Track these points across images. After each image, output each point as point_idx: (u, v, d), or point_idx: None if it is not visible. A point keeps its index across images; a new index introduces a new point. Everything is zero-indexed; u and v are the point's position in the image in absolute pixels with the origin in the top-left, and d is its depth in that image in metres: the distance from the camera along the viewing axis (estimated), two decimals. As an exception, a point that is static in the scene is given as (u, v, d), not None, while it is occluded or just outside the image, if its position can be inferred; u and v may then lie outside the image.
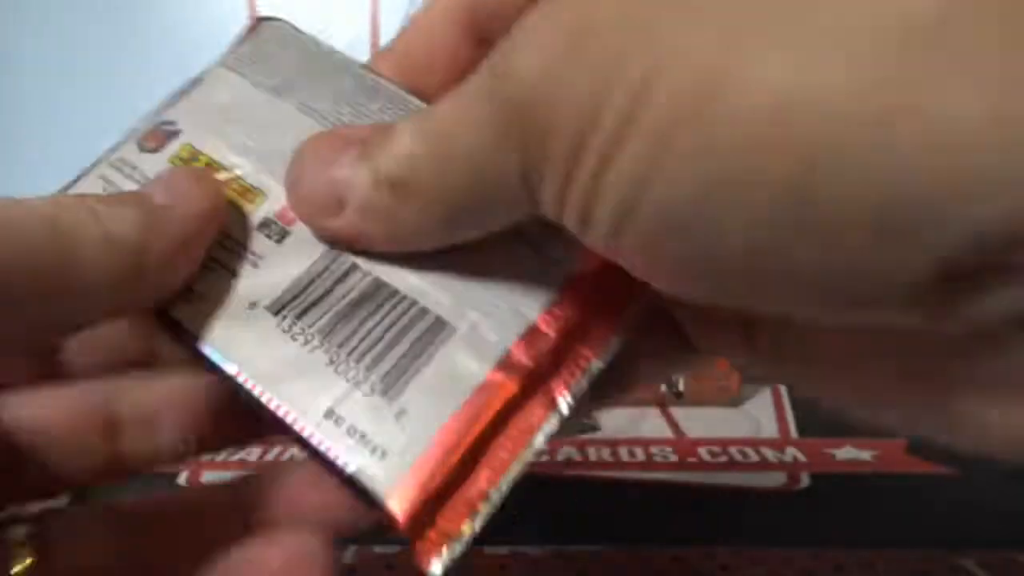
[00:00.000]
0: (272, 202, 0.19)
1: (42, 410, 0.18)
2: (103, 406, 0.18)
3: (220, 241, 0.18)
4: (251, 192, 0.19)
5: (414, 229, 0.16)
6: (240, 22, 0.51)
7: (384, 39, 0.44)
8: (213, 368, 0.17)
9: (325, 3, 0.46)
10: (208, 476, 0.39)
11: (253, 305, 0.18)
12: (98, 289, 0.15)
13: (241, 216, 0.19)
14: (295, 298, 0.18)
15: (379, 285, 0.18)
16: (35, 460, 0.17)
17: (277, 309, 0.18)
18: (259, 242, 0.18)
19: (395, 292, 0.18)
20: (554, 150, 0.13)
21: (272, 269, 0.18)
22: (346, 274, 0.18)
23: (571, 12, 0.13)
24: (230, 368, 0.17)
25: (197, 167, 0.19)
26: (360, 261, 0.18)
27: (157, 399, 0.19)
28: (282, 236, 0.18)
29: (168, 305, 0.17)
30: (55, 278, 0.15)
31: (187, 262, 0.17)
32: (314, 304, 0.18)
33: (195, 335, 0.17)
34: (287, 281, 0.18)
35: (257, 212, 0.19)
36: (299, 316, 0.17)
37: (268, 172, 0.19)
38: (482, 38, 0.20)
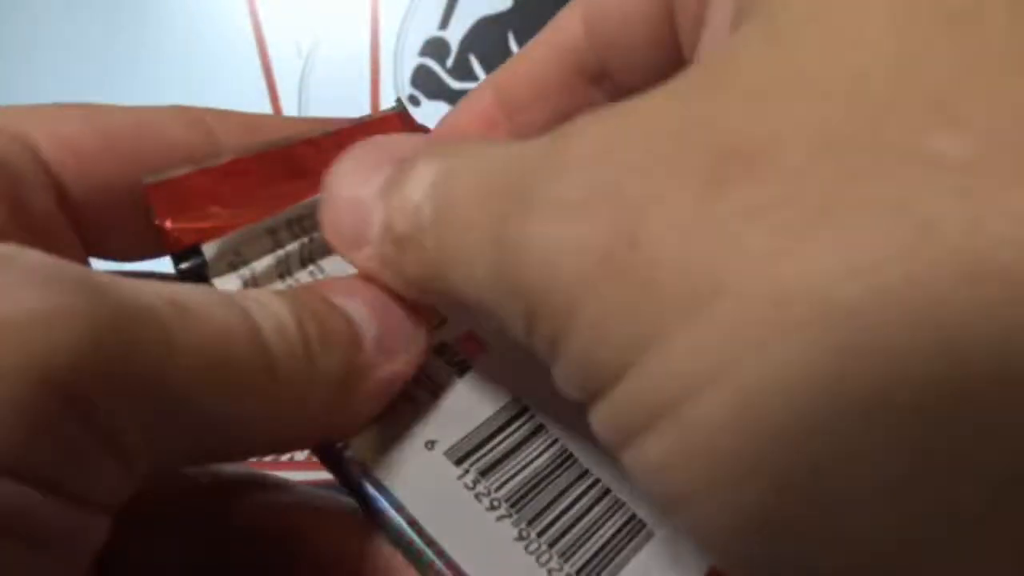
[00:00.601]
0: (452, 327, 0.17)
1: None
2: None
3: None
4: (429, 313, 0.17)
5: (421, 289, 0.15)
6: (241, 21, 0.51)
7: (384, 41, 0.45)
8: (370, 509, 0.15)
9: (325, 5, 0.46)
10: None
11: (431, 444, 0.15)
12: (291, 420, 0.14)
13: None
14: (478, 449, 0.16)
15: (568, 457, 0.16)
16: None
17: (459, 458, 0.16)
18: (438, 369, 0.16)
19: (586, 472, 0.16)
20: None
21: (453, 406, 0.16)
22: (534, 433, 0.16)
23: (609, 226, 0.10)
24: (405, 516, 0.14)
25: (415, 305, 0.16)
26: (548, 421, 0.16)
27: None
28: (463, 369, 0.17)
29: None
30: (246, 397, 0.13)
31: (380, 404, 0.15)
32: (500, 462, 0.16)
33: (363, 467, 0.15)
34: (470, 426, 0.16)
35: (436, 335, 0.17)
36: (483, 473, 0.15)
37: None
38: (598, 73, 0.17)
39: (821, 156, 0.09)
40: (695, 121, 0.10)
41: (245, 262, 0.16)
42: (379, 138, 0.16)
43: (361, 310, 0.15)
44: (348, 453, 0.15)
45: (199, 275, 0.15)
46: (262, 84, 0.52)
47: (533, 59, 0.17)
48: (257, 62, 0.51)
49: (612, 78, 0.16)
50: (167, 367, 0.12)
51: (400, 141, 0.16)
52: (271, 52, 0.52)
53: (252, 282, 0.16)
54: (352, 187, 0.15)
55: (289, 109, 0.47)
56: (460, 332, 0.17)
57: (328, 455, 0.15)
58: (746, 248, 0.09)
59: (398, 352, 0.15)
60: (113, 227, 0.17)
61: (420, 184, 0.14)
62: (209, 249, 0.15)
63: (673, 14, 0.15)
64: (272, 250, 0.16)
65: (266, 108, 0.52)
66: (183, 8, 0.52)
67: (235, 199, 0.16)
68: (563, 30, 0.17)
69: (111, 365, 0.11)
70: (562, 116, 0.15)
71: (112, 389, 0.11)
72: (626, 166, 0.10)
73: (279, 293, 0.15)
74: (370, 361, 0.15)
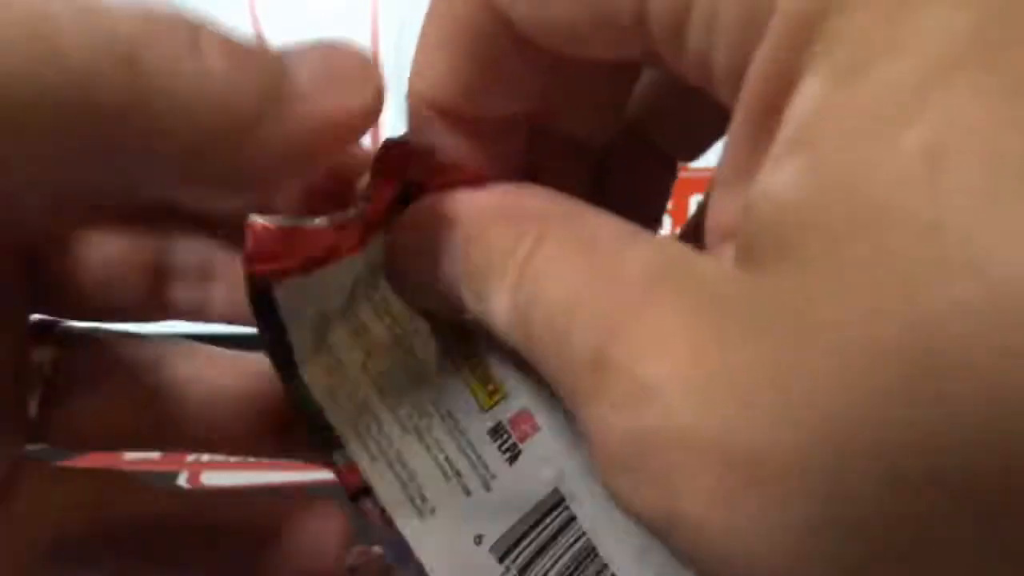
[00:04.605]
0: (511, 404, 0.17)
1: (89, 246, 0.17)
2: (152, 251, 0.17)
3: (455, 438, 0.16)
4: (493, 383, 0.17)
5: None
6: (241, 22, 0.51)
7: (384, 41, 0.45)
8: None
9: (325, 5, 0.46)
10: (208, 476, 0.39)
11: (479, 540, 0.16)
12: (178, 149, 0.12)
13: (476, 411, 0.16)
14: (519, 542, 0.16)
15: (591, 551, 0.16)
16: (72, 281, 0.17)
17: (502, 555, 0.16)
18: (491, 454, 0.16)
19: (605, 568, 0.16)
20: None
21: (502, 496, 0.16)
22: (566, 526, 0.17)
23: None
24: None
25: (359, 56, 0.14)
26: (579, 512, 0.17)
27: (210, 250, 0.17)
28: (514, 455, 0.17)
29: (393, 508, 0.15)
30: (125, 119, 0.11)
31: (308, 155, 0.13)
32: (538, 555, 0.16)
33: (414, 554, 0.15)
34: (514, 518, 0.16)
35: (494, 411, 0.17)
36: (522, 570, 0.16)
37: (515, 367, 0.17)
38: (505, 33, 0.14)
39: None
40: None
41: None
42: (505, 206, 0.15)
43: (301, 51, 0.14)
44: (402, 534, 0.15)
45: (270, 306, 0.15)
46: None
47: (444, 57, 0.15)
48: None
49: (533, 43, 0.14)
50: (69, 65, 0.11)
51: (529, 206, 0.15)
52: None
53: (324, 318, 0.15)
54: (428, 263, 0.15)
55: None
56: (516, 410, 0.17)
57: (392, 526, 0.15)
58: None
59: (339, 93, 0.13)
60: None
61: (500, 309, 0.14)
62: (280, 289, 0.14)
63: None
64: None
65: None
66: (183, 8, 0.52)
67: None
68: (456, 19, 0.14)
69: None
70: (513, 98, 0.15)
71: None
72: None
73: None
74: (296, 91, 0.13)
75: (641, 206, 0.18)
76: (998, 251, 0.07)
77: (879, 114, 0.09)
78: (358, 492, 0.16)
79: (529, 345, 0.13)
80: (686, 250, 0.12)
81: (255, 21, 0.52)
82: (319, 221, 0.14)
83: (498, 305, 0.14)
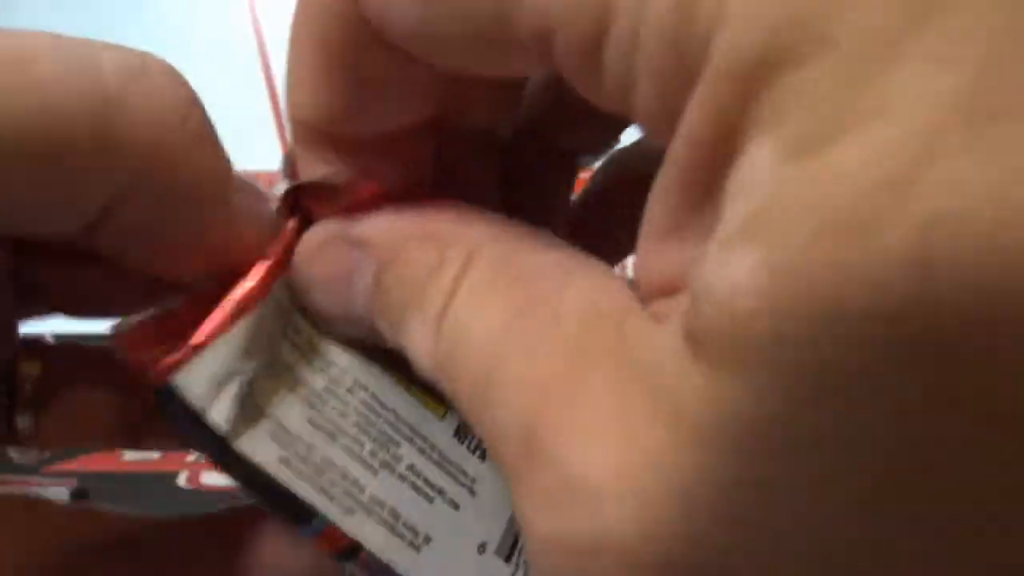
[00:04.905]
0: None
1: None
2: None
3: (430, 457, 0.15)
4: (436, 393, 0.15)
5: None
6: (241, 21, 0.51)
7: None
8: None
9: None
10: (208, 477, 0.39)
11: (483, 548, 0.15)
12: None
13: (436, 420, 0.16)
14: (520, 535, 0.15)
15: None
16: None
17: (507, 554, 0.15)
18: (464, 457, 0.16)
19: None
20: None
21: (489, 496, 0.15)
22: None
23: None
24: None
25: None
26: None
27: None
28: (481, 450, 0.16)
29: (386, 554, 0.15)
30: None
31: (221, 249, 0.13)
32: None
33: None
34: (507, 513, 0.15)
35: (451, 415, 0.16)
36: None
37: None
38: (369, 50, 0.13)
39: None
40: None
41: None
42: (433, 227, 0.14)
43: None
44: (392, 562, 0.14)
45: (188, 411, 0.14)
46: (262, 84, 0.52)
47: (315, 80, 0.14)
48: (257, 62, 0.51)
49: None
50: None
51: (459, 232, 0.13)
52: (271, 52, 0.52)
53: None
54: (332, 296, 0.14)
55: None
56: None
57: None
58: None
59: (256, 216, 0.14)
60: None
61: (421, 348, 0.12)
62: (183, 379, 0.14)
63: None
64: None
65: (266, 107, 0.51)
66: (183, 8, 0.52)
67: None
68: (322, 33, 0.13)
69: None
70: (381, 102, 0.13)
71: None
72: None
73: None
74: (233, 191, 0.13)
75: (544, 203, 0.17)
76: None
77: (848, 205, 0.07)
78: (345, 552, 0.15)
79: (455, 397, 0.12)
80: (629, 300, 0.11)
81: (255, 20, 0.52)
82: (176, 303, 0.14)
83: (419, 343, 0.12)
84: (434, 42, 0.11)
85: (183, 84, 0.13)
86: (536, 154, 0.17)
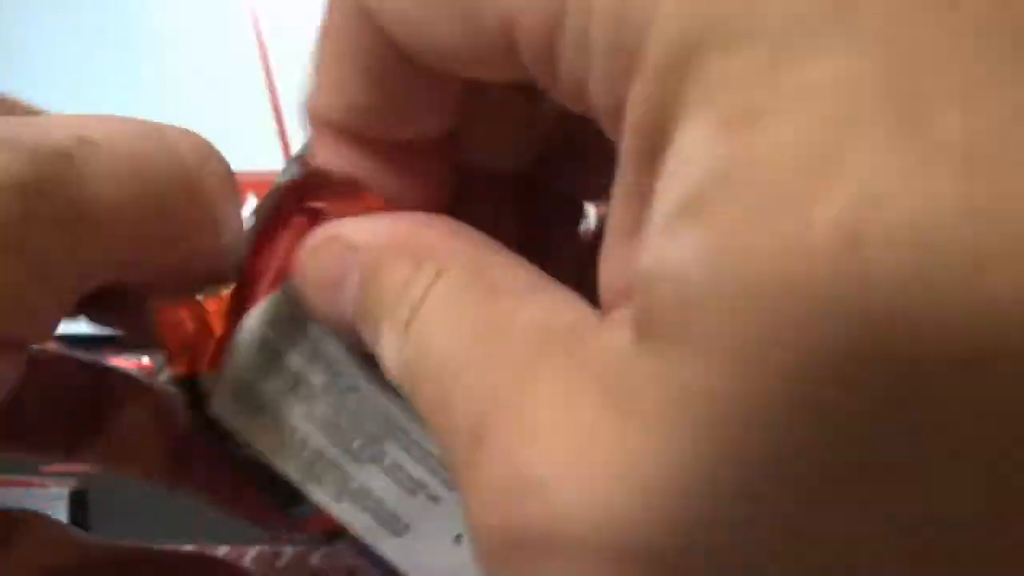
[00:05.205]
0: None
1: None
2: None
3: (412, 454, 0.16)
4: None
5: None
6: (241, 21, 0.51)
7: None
8: None
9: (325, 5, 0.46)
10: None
11: (459, 539, 0.16)
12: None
13: (423, 425, 0.16)
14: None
15: None
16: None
17: None
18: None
19: None
20: None
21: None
22: None
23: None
24: None
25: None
26: None
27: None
28: None
29: (370, 537, 0.16)
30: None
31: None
32: None
33: (404, 570, 0.16)
34: None
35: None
36: None
37: None
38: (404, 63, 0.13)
39: None
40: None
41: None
42: (327, 245, 0.15)
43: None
44: (385, 556, 0.16)
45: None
46: (262, 83, 0.52)
47: (340, 78, 0.15)
48: (258, 62, 0.51)
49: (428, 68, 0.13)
50: (85, 200, 0.13)
51: (347, 248, 0.14)
52: (271, 52, 0.52)
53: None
54: (328, 298, 0.14)
55: (289, 109, 0.47)
56: None
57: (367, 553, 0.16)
58: None
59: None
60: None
61: (391, 354, 0.13)
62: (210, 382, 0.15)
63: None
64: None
65: (266, 107, 0.52)
66: (183, 8, 0.52)
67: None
68: (344, 36, 0.14)
69: (36, 209, 0.12)
70: (414, 119, 0.14)
71: (40, 231, 0.12)
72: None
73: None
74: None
75: (549, 246, 0.17)
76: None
77: (782, 181, 0.08)
78: (330, 535, 0.16)
79: (416, 403, 0.12)
80: (586, 314, 0.11)
81: (255, 20, 0.52)
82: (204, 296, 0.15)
83: (387, 349, 0.13)
84: (428, 44, 0.12)
85: (223, 160, 0.15)
86: (545, 198, 0.18)
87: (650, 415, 0.08)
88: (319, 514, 0.16)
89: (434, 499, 0.16)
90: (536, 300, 0.12)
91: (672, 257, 0.08)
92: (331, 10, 0.14)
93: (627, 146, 0.09)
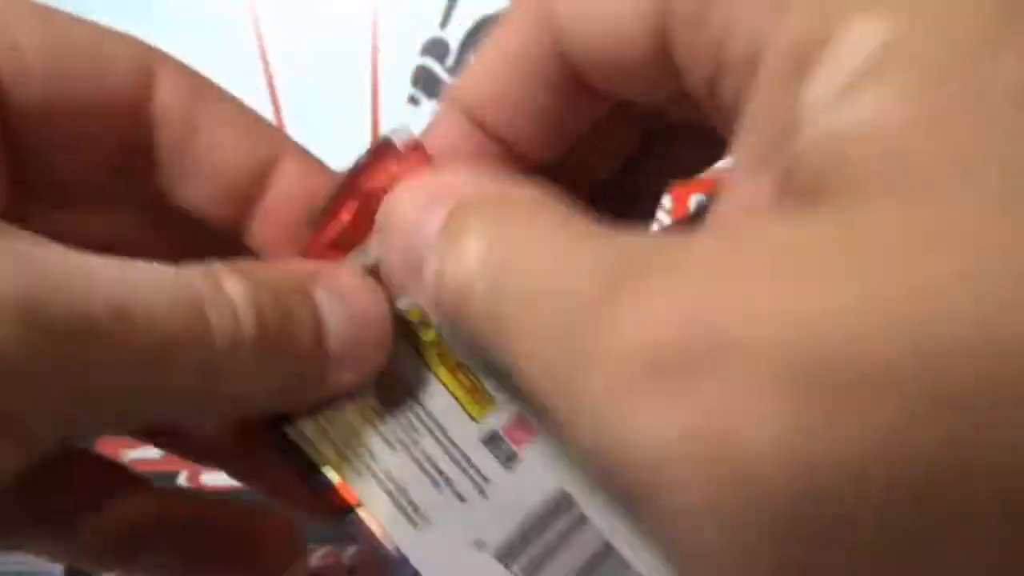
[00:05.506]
0: (501, 414, 0.17)
1: None
2: None
3: (446, 449, 0.16)
4: (481, 395, 0.17)
5: (470, 352, 0.15)
6: (242, 21, 0.51)
7: (384, 41, 0.45)
8: None
9: (325, 5, 0.46)
10: (208, 477, 0.39)
11: (479, 545, 0.16)
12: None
13: (467, 422, 0.17)
14: (524, 546, 0.16)
15: (610, 551, 0.16)
16: None
17: (506, 559, 0.16)
18: (485, 461, 0.16)
19: (627, 565, 0.16)
20: None
21: (500, 500, 0.16)
22: (578, 524, 0.16)
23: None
24: None
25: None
26: (591, 511, 0.16)
27: None
28: (510, 460, 0.17)
29: (385, 520, 0.16)
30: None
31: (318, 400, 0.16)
32: (547, 557, 0.16)
33: (415, 565, 0.15)
34: (516, 520, 0.16)
35: (485, 421, 0.17)
36: (530, 573, 0.16)
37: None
38: (569, 80, 0.15)
39: None
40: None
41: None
42: (425, 179, 0.15)
43: (341, 316, 0.15)
44: (400, 546, 0.16)
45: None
46: (262, 83, 0.52)
47: (495, 72, 0.15)
48: (257, 62, 0.51)
49: (593, 87, 0.15)
50: (100, 374, 0.12)
51: (447, 181, 0.15)
52: (271, 51, 0.52)
53: None
54: (407, 224, 0.15)
55: (289, 108, 0.47)
56: (509, 419, 0.17)
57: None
58: None
59: (353, 369, 0.15)
60: (48, 163, 0.16)
61: (470, 259, 0.13)
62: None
63: (669, 40, 0.13)
64: None
65: (266, 107, 0.52)
66: (183, 8, 0.52)
67: None
68: (518, 36, 0.15)
69: (36, 377, 0.11)
70: (542, 126, 0.15)
71: (35, 398, 0.11)
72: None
73: (246, 274, 0.14)
74: (323, 364, 0.15)
75: None
76: None
77: (960, 54, 0.09)
78: (346, 509, 0.16)
79: (497, 312, 0.12)
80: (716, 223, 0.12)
81: (256, 20, 0.52)
82: None
83: (459, 262, 0.13)
84: (613, 62, 0.14)
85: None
86: (618, 199, 0.19)
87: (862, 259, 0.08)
88: (340, 486, 0.16)
89: (460, 497, 0.16)
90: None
91: (851, 117, 0.09)
92: (512, 9, 0.15)
93: (772, 70, 0.11)
